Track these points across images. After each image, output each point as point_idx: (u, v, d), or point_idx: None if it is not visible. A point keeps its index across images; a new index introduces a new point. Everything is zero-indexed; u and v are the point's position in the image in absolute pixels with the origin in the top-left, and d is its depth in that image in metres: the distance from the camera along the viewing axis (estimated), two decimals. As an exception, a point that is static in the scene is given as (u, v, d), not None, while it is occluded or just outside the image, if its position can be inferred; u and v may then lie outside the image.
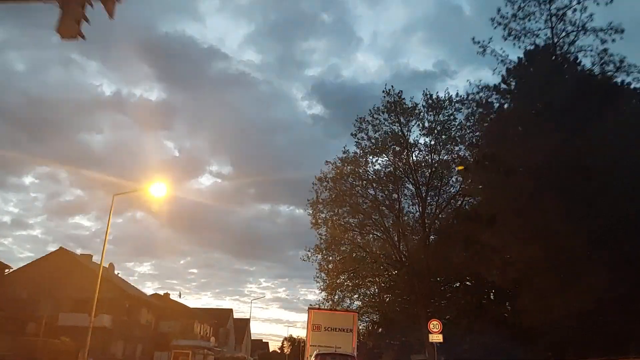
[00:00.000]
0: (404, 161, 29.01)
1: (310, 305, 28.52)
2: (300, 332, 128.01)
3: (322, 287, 30.09)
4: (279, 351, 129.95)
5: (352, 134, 30.34)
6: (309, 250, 28.77)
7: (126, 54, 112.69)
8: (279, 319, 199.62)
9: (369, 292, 38.08)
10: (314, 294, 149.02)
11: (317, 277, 29.97)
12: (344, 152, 30.06)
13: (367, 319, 50.16)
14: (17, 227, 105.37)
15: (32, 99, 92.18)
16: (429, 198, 29.13)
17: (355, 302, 48.83)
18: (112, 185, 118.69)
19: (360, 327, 52.01)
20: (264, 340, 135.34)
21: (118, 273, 43.29)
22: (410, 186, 29.98)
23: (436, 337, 21.32)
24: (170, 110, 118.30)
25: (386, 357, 58.25)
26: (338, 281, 28.82)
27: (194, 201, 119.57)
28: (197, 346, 46.20)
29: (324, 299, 29.75)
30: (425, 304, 27.26)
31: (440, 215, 29.07)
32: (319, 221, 29.28)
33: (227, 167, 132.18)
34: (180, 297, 59.32)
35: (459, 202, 28.72)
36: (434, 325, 21.49)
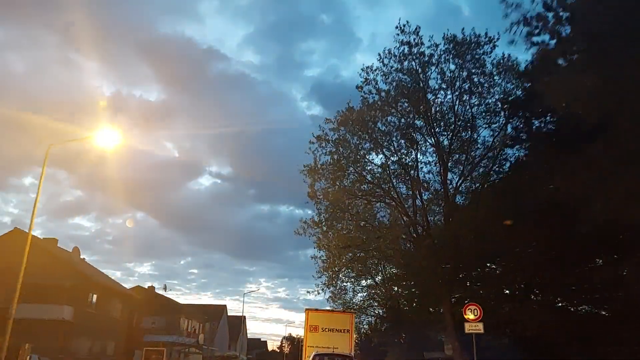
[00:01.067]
0: (422, 113, 23.53)
1: (310, 295, 23.29)
2: (298, 331, 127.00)
3: (322, 268, 24.54)
4: (278, 350, 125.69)
5: (357, 87, 24.91)
6: (304, 222, 23.26)
7: (126, 54, 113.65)
8: (279, 318, 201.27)
9: (375, 281, 33.01)
10: (313, 294, 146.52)
11: (316, 256, 24.43)
12: (348, 109, 24.67)
13: (372, 313, 44.92)
14: (18, 227, 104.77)
15: (32, 100, 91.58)
16: (454, 158, 23.61)
17: (359, 295, 43.75)
18: (112, 186, 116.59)
19: (363, 323, 46.86)
20: (262, 339, 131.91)
21: (84, 258, 37.77)
22: (430, 146, 24.52)
23: (474, 327, 15.98)
24: (169, 110, 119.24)
25: (392, 355, 53.07)
26: (342, 260, 23.18)
27: (193, 201, 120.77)
28: (179, 343, 40.69)
29: (323, 284, 24.29)
30: (450, 290, 21.88)
31: (473, 174, 23.52)
32: (318, 193, 23.86)
33: (227, 167, 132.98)
34: (165, 290, 53.88)
35: (496, 159, 23.14)
36: (472, 310, 16.15)
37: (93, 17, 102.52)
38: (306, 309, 21.53)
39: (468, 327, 16.04)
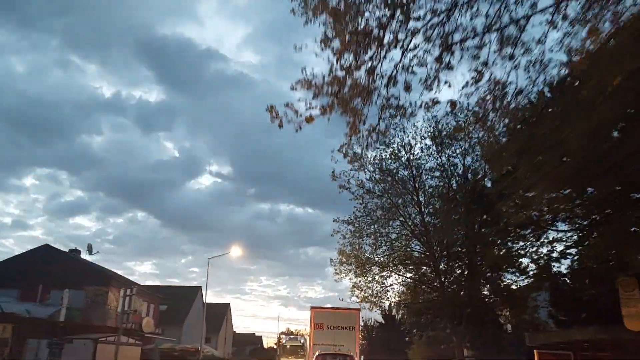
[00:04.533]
0: None
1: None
2: (297, 327, 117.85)
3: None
4: (275, 346, 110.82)
5: None
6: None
7: (125, 56, 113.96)
8: (280, 317, 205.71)
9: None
10: (314, 292, 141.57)
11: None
12: None
13: (402, 273, 27.89)
14: (18, 228, 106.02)
15: (32, 101, 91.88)
16: None
17: (382, 248, 27.31)
18: (112, 187, 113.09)
19: (389, 294, 30.21)
20: (257, 334, 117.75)
21: None
22: None
23: None
24: (169, 111, 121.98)
25: (419, 349, 36.52)
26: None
27: (194, 201, 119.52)
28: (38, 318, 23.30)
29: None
30: None
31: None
32: None
33: (227, 167, 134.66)
34: (91, 253, 37.16)
35: None
36: None
37: (92, 19, 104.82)
38: (311, 307, 22.76)
39: None
